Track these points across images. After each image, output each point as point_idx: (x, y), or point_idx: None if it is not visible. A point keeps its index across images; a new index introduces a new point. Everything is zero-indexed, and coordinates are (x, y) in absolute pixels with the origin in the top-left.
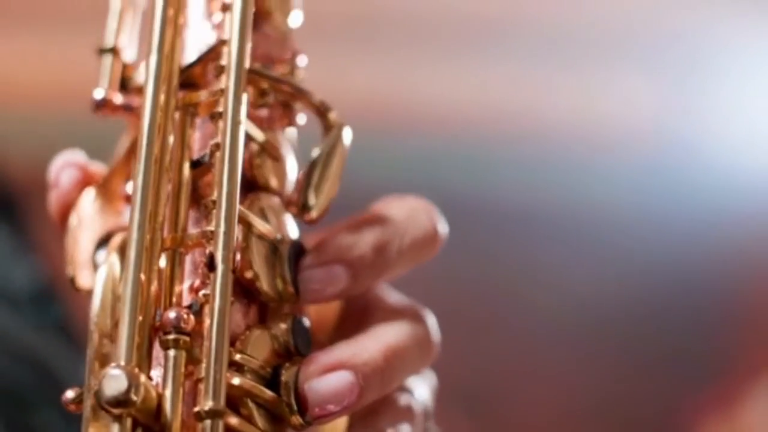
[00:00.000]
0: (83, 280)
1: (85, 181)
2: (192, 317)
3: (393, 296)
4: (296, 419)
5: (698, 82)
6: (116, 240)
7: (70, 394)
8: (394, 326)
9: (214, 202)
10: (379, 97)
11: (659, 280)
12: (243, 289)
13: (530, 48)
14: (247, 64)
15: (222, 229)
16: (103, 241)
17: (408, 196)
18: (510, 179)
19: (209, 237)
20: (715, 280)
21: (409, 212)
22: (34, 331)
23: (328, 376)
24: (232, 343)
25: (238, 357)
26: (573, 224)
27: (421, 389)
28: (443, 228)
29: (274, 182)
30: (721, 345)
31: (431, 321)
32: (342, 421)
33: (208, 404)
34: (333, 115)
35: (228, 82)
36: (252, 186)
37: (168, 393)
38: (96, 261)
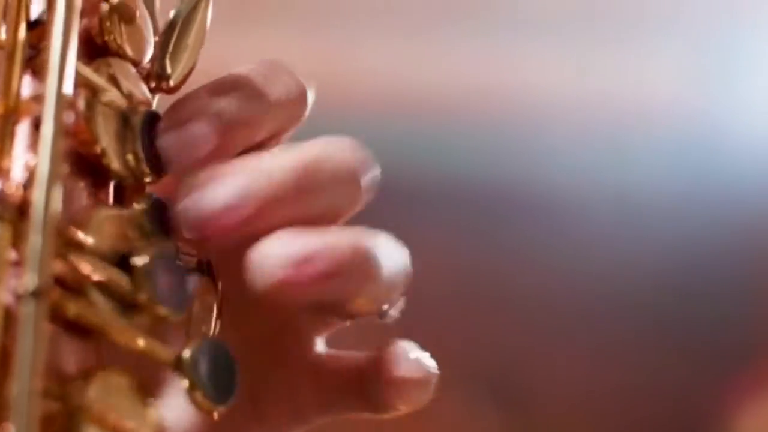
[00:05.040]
0: None
1: None
2: (19, 189)
3: None
4: (159, 309)
5: (721, 57)
6: None
7: None
8: None
9: (43, 59)
10: (358, 77)
11: (694, 260)
12: (92, 169)
13: (556, 27)
14: None
15: (52, 86)
16: None
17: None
18: (520, 162)
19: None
20: (748, 259)
21: (268, 69)
22: None
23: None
24: (75, 226)
25: (78, 236)
26: (596, 205)
27: None
28: (307, 86)
29: (129, 49)
30: (753, 327)
31: None
32: None
33: (30, 281)
34: None
35: None
36: (103, 53)
37: None
38: None
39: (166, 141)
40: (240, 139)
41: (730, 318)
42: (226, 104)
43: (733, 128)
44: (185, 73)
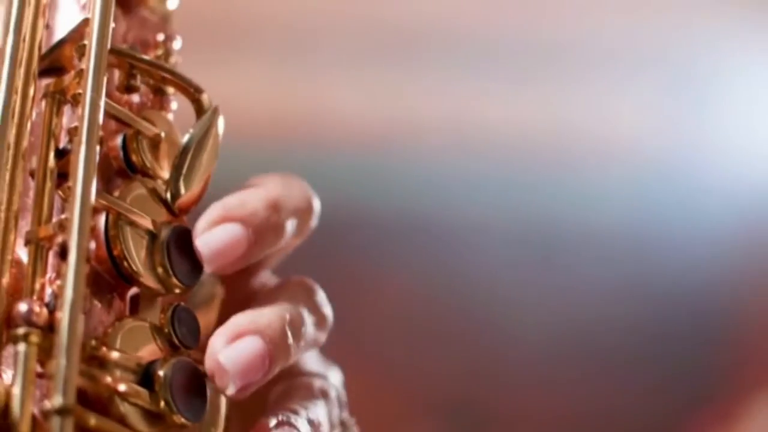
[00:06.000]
0: None
1: None
2: (45, 310)
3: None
4: (177, 418)
5: (688, 96)
6: None
7: None
8: (286, 297)
9: (69, 188)
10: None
11: (658, 300)
12: (115, 282)
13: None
14: (108, 42)
15: (76, 214)
16: None
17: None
18: (500, 199)
19: (64, 226)
20: (712, 298)
21: (283, 182)
22: None
23: (238, 343)
24: (101, 339)
25: (103, 352)
26: (562, 243)
27: (334, 376)
28: (316, 201)
29: (154, 167)
30: (719, 363)
31: (320, 293)
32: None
33: (56, 400)
34: (205, 98)
35: (88, 61)
36: (131, 171)
37: (17, 391)
38: None
39: (206, 240)
40: (269, 239)
41: (694, 357)
42: (255, 206)
43: (701, 167)
44: (198, 193)
